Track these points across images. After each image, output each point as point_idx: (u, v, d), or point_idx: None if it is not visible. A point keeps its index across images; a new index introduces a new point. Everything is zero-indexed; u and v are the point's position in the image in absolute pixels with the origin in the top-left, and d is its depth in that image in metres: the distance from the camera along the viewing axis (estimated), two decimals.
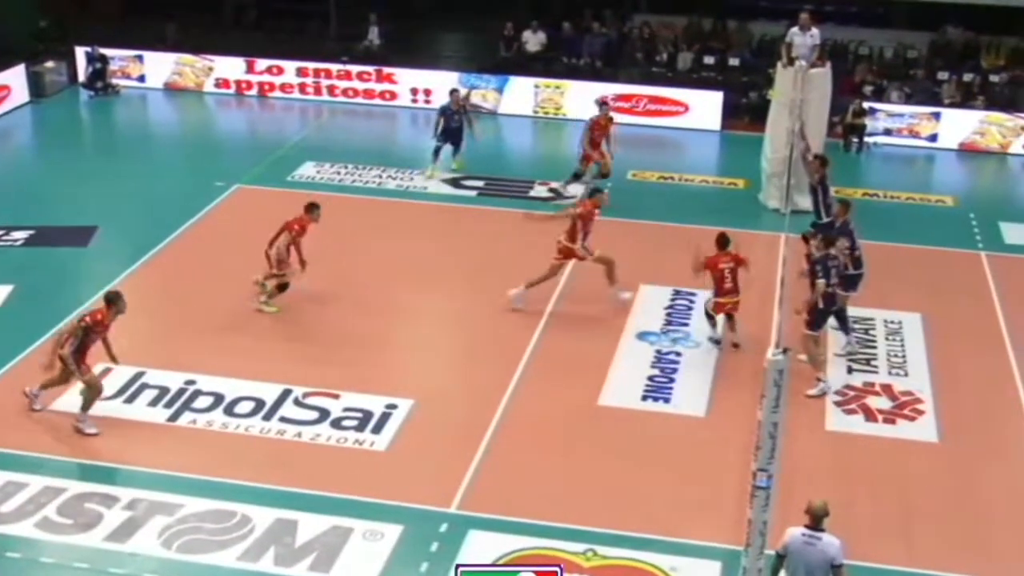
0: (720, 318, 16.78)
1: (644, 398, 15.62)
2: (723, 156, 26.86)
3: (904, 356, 16.84)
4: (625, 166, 24.14)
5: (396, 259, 19.27)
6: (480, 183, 23.37)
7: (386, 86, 28.97)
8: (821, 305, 15.49)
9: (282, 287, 17.36)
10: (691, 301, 18.16)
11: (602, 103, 22.80)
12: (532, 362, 16.40)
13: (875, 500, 13.50)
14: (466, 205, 22.26)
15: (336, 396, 15.31)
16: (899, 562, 12.45)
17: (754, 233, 20.93)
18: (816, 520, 10.36)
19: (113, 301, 14.63)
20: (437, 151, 23.37)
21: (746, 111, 27.75)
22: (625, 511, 13.18)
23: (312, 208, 17.41)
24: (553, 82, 28.47)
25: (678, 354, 16.77)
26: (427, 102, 28.35)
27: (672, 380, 16.05)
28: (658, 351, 16.81)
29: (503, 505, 13.19)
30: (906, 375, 16.31)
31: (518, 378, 15.94)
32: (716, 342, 16.81)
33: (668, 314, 17.80)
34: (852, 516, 12.52)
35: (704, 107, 27.82)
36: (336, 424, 14.73)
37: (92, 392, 14.41)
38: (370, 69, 29.06)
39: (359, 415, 14.93)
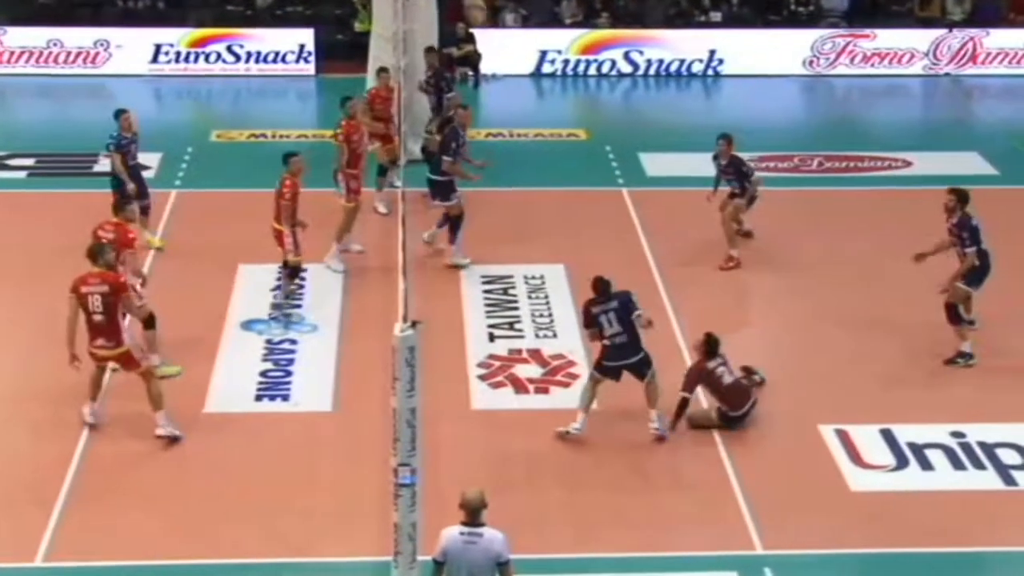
0: None
1: (258, 398, 15.50)
2: (320, 104, 26.88)
3: (551, 315, 17.43)
4: (207, 125, 23.79)
5: None
6: (29, 161, 22.52)
7: None
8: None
9: None
10: (302, 278, 18.10)
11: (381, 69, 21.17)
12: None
13: (535, 482, 13.91)
14: (12, 190, 21.38)
15: None
16: (568, 549, 12.89)
17: (368, 191, 21.12)
18: (473, 514, 10.51)
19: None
20: None
21: (344, 49, 27.83)
22: (247, 534, 12.99)
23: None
24: None
25: (293, 342, 16.71)
26: None
27: (289, 373, 15.99)
28: (268, 341, 16.71)
29: (96, 549, 12.71)
30: (555, 336, 16.89)
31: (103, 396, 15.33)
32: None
33: (275, 296, 17.65)
34: (513, 504, 12.82)
35: (292, 49, 27.72)
36: None
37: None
38: None
39: None
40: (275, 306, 17.34)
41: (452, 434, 14.62)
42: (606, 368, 14.60)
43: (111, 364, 14.45)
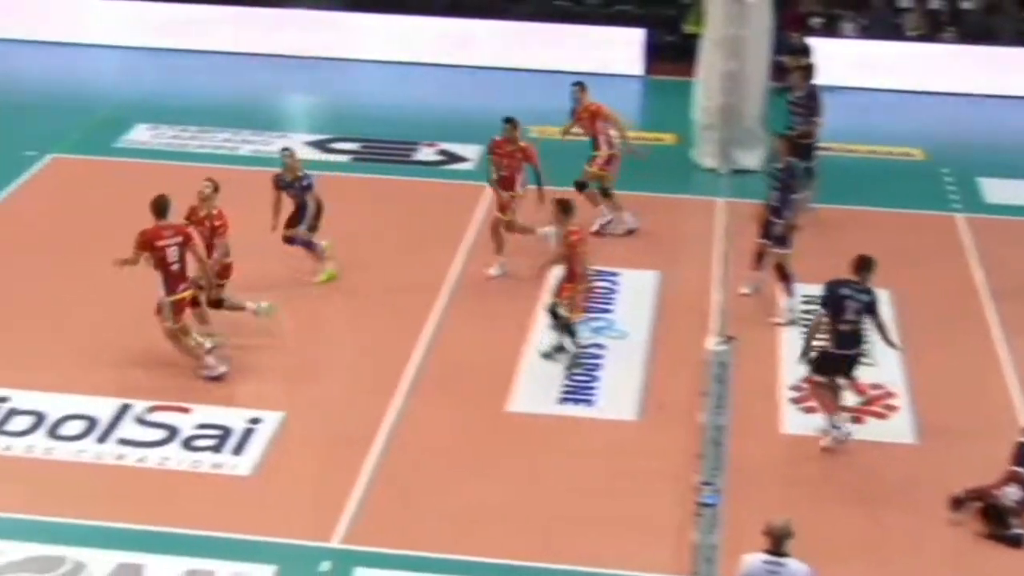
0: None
1: (562, 401, 15.71)
2: (647, 106, 27.04)
3: (871, 343, 17.07)
4: (525, 121, 24.18)
5: (252, 240, 19.10)
6: (354, 145, 23.27)
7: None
8: None
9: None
10: (613, 283, 18.29)
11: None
12: (425, 362, 16.42)
13: (845, 516, 13.73)
14: (339, 173, 22.16)
15: (187, 410, 15.19)
16: None
17: (685, 198, 21.20)
18: (778, 543, 10.46)
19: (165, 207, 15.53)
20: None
21: (672, 51, 27.92)
22: (542, 539, 13.24)
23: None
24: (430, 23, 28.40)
25: (600, 346, 16.89)
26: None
27: (595, 378, 16.17)
28: (576, 344, 16.90)
29: (395, 537, 13.19)
30: (874, 365, 16.58)
31: (409, 383, 15.94)
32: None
33: (586, 299, 17.87)
34: (820, 537, 12.69)
35: (622, 47, 27.95)
36: (188, 445, 14.62)
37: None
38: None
39: (216, 433, 14.83)
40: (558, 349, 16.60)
41: (758, 456, 14.53)
42: (830, 359, 14.57)
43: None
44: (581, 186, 19.71)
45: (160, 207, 15.60)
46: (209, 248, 16.29)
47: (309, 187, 17.86)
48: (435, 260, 18.85)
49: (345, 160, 22.71)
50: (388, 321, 17.34)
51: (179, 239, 15.55)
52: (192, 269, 15.87)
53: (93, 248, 17.54)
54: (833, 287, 14.61)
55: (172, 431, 14.83)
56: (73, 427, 14.84)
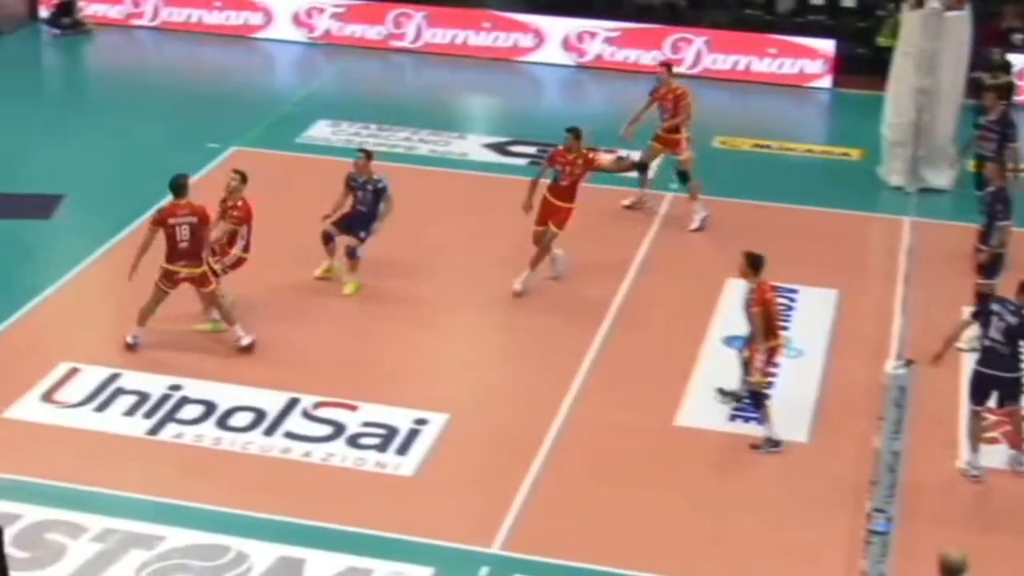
0: None
1: (732, 418, 15.60)
2: (834, 120, 26.73)
3: None
4: (711, 131, 24.10)
5: (426, 241, 19.33)
6: (532, 149, 23.38)
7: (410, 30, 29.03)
8: None
9: None
10: (791, 299, 18.09)
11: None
12: (594, 370, 16.42)
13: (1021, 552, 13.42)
14: (514, 176, 22.28)
15: (353, 408, 15.39)
16: None
17: (871, 216, 20.89)
18: None
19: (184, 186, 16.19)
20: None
21: (863, 64, 27.59)
22: (705, 557, 13.17)
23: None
24: (615, 26, 28.41)
25: (775, 365, 16.71)
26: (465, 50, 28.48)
27: (767, 396, 15.98)
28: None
29: (556, 546, 13.21)
30: None
31: (577, 389, 15.96)
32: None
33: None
34: (995, 574, 12.43)
35: (810, 58, 27.68)
36: (353, 442, 14.81)
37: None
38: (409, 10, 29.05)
39: (381, 432, 15.00)
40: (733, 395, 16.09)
41: (934, 485, 14.25)
42: (977, 379, 14.32)
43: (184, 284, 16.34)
44: (683, 176, 20.44)
45: (175, 187, 16.21)
46: (231, 238, 16.92)
47: (383, 190, 17.90)
48: (608, 268, 18.83)
49: (522, 164, 22.80)
50: (559, 328, 17.37)
51: (192, 218, 16.10)
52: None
53: (268, 242, 17.86)
54: (990, 300, 14.57)
55: (338, 428, 15.03)
56: (242, 418, 15.13)
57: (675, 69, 21.37)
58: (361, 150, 18.37)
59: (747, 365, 15.06)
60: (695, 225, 20.29)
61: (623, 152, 21.36)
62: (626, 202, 20.78)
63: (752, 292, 14.80)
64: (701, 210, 20.30)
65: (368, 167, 17.85)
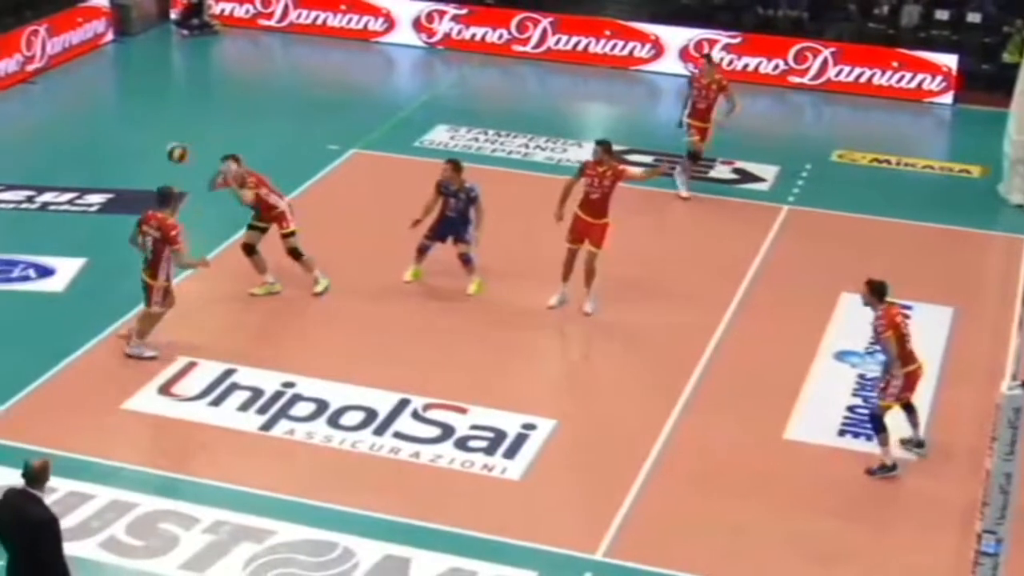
0: None
1: (842, 433, 15.49)
2: (955, 136, 26.40)
3: None
4: (830, 145, 23.92)
5: (540, 249, 19.36)
6: (648, 158, 23.35)
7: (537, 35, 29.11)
8: None
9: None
10: (905, 316, 17.87)
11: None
12: (704, 381, 16.38)
13: None
14: (631, 186, 22.25)
15: (463, 410, 15.49)
16: None
17: (990, 234, 20.62)
18: None
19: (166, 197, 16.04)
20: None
21: (986, 80, 27.23)
22: (811, 573, 13.08)
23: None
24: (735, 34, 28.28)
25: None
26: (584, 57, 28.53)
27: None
28: (861, 376, 16.64)
29: (660, 555, 13.21)
30: None
31: (685, 400, 15.94)
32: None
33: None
34: None
35: (933, 73, 27.38)
36: (462, 444, 14.91)
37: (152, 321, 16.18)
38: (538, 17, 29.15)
39: (490, 435, 15.09)
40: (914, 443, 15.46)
41: None
42: None
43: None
44: (695, 156, 21.53)
45: (159, 196, 16.12)
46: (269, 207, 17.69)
47: (476, 198, 17.92)
48: (722, 278, 18.78)
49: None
50: (670, 336, 17.35)
51: (156, 233, 15.91)
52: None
53: (383, 244, 18.00)
54: None
55: (447, 430, 15.13)
56: (353, 417, 15.29)
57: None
58: (449, 160, 18.44)
59: (883, 391, 14.75)
60: (685, 194, 21.46)
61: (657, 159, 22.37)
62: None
63: (880, 318, 14.58)
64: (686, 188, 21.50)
65: (459, 177, 17.95)
